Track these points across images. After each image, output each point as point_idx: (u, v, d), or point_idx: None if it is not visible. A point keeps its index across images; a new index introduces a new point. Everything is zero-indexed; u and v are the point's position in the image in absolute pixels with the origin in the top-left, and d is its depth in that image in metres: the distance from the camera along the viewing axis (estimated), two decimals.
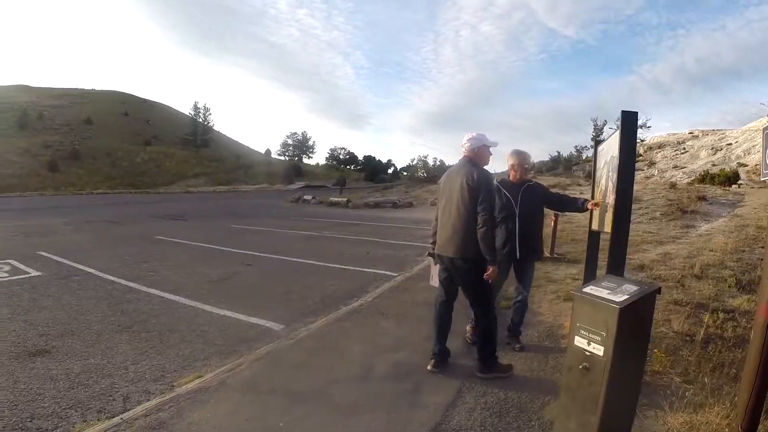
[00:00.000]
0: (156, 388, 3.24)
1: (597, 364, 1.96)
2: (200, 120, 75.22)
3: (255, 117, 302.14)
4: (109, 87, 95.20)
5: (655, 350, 3.45)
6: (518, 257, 3.89)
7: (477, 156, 3.47)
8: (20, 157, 47.83)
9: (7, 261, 7.53)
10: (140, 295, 5.67)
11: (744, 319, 4.31)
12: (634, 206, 13.27)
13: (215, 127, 79.74)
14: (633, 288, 2.02)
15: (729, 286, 5.59)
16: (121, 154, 58.67)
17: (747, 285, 5.55)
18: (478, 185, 3.22)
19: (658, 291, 2.04)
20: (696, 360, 3.45)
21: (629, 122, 3.16)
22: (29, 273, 6.73)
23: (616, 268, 2.99)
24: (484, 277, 3.25)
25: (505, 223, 3.86)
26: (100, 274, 6.73)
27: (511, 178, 4.08)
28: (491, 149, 3.54)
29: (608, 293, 2.03)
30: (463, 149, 3.50)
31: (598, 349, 1.95)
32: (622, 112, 3.14)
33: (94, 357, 3.75)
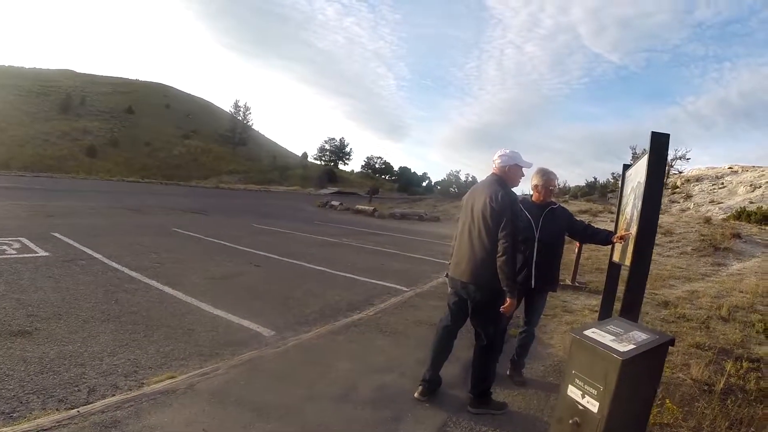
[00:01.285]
0: (125, 384, 3.09)
1: (589, 422, 1.65)
2: (240, 118, 76.53)
3: (295, 120, 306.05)
4: (153, 79, 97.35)
5: (667, 400, 3.11)
6: (532, 287, 3.53)
7: (506, 175, 3.15)
8: (60, 139, 49.56)
9: (19, 239, 7.58)
10: (139, 286, 5.56)
11: None
12: (665, 239, 12.80)
13: (254, 127, 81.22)
14: (642, 337, 1.69)
15: (757, 332, 5.19)
16: (159, 144, 60.19)
17: None
18: (502, 208, 2.89)
19: (671, 342, 1.71)
20: (712, 414, 3.09)
21: (659, 145, 2.81)
22: (37, 252, 6.73)
23: (631, 310, 2.63)
24: (501, 309, 2.93)
25: (522, 248, 3.45)
26: (106, 261, 6.67)
27: (533, 198, 3.74)
28: (524, 170, 3.22)
29: (612, 340, 1.71)
30: (493, 165, 3.19)
31: (593, 405, 1.64)
32: (652, 133, 2.80)
33: (73, 344, 3.63)
